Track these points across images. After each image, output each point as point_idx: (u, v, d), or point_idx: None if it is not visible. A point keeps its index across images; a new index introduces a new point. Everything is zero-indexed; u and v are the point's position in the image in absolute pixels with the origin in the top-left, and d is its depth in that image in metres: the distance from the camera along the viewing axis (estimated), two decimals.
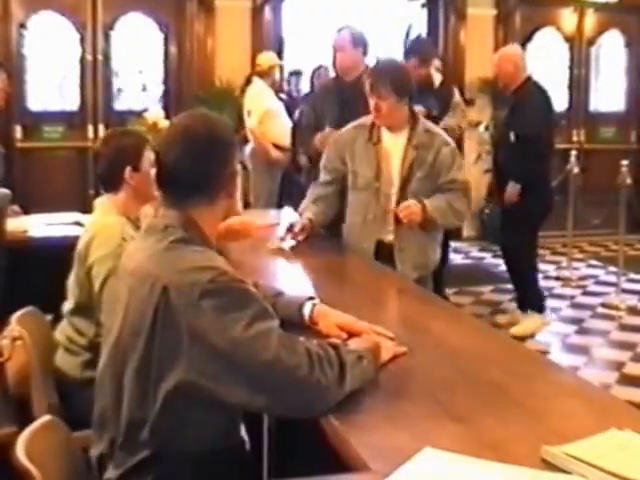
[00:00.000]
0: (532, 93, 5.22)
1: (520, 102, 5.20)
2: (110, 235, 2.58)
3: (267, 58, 6.66)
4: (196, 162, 1.76)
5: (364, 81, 3.41)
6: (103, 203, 2.76)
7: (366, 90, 3.34)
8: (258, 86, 6.45)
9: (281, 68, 7.13)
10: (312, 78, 6.92)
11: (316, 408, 1.65)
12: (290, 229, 3.37)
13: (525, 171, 5.10)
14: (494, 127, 5.59)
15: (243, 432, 1.90)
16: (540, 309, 5.38)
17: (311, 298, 2.18)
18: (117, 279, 1.83)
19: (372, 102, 3.30)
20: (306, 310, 2.14)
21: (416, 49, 5.57)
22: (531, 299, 5.39)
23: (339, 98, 4.24)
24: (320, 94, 4.31)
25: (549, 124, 5.32)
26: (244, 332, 1.58)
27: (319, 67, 6.86)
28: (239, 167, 1.93)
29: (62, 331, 2.71)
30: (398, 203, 3.32)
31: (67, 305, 2.73)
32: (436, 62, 6.12)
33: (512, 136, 5.17)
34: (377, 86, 3.27)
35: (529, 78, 5.26)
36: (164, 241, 1.71)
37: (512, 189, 5.12)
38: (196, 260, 1.66)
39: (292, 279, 2.98)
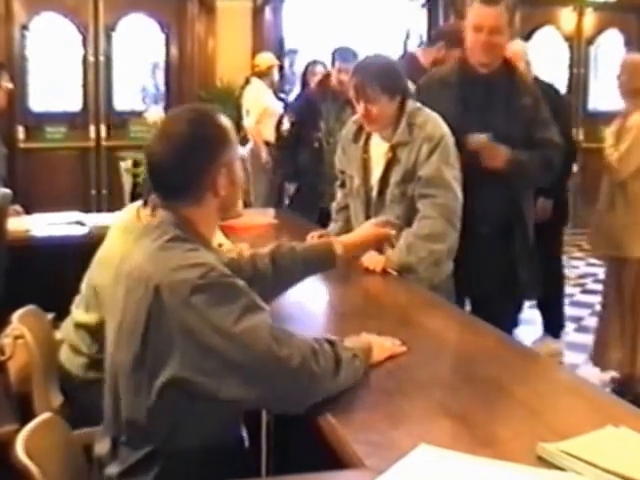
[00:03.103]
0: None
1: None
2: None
3: (266, 58, 6.70)
4: (177, 163, 1.73)
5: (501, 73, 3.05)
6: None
7: (350, 94, 2.97)
8: (256, 86, 6.49)
9: (280, 68, 7.15)
10: (304, 75, 6.26)
11: (309, 398, 1.66)
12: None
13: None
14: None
15: (242, 429, 1.92)
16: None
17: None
18: (115, 283, 1.82)
19: (360, 107, 2.93)
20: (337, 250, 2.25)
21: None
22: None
23: (461, 95, 3.23)
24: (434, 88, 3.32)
25: None
26: (235, 326, 1.59)
27: (313, 62, 6.26)
28: (239, 165, 1.88)
29: (67, 330, 2.67)
30: (376, 212, 2.96)
31: (78, 314, 2.63)
32: None
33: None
34: (363, 88, 2.89)
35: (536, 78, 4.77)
36: (159, 240, 1.71)
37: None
38: (186, 258, 1.66)
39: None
